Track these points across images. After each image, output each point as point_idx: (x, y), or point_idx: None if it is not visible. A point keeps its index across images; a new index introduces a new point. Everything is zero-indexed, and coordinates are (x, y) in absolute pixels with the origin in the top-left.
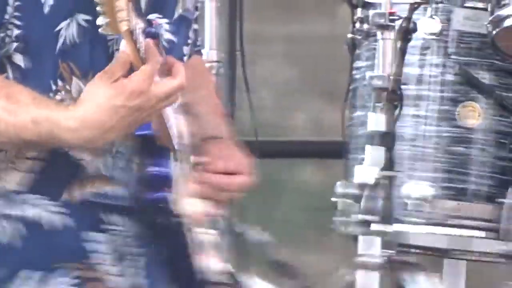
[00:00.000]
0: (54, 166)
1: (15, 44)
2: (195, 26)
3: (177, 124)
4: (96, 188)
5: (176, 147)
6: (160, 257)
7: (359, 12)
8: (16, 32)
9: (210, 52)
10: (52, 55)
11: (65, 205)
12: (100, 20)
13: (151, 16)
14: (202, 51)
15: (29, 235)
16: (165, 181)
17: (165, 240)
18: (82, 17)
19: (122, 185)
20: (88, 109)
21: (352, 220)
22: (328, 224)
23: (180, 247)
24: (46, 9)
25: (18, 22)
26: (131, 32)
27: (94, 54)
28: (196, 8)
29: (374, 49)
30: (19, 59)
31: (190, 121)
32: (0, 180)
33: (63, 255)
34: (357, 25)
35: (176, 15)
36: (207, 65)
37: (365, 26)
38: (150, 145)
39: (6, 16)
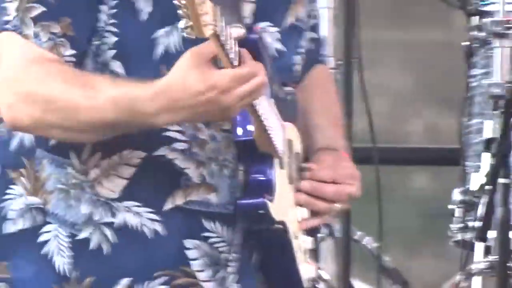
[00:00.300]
0: (158, 174)
1: (113, 52)
2: (313, 35)
3: (284, 131)
4: (199, 197)
5: (280, 154)
6: (253, 263)
7: (475, 20)
8: (113, 39)
9: (327, 59)
10: (149, 62)
11: (168, 213)
12: (182, 23)
13: (262, 24)
14: None
15: (130, 243)
16: (266, 188)
17: (262, 247)
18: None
19: (226, 193)
20: (171, 81)
21: (469, 227)
22: (443, 231)
23: (279, 254)
24: (144, 16)
25: (114, 29)
26: (217, 36)
27: None
28: (315, 17)
29: (490, 56)
30: (117, 66)
31: (306, 131)
32: (102, 187)
33: (164, 263)
34: (473, 33)
35: (287, 24)
36: None
37: (481, 34)
38: (252, 151)
39: (101, 24)
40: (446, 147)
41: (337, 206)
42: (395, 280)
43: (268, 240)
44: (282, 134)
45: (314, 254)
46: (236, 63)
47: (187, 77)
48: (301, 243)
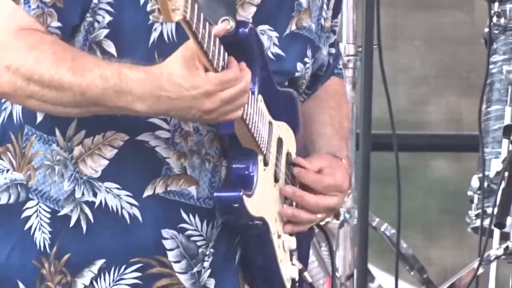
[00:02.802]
0: (139, 160)
1: (106, 31)
2: (332, 50)
3: (272, 129)
4: (180, 188)
5: (264, 151)
6: (232, 257)
7: (496, 7)
8: (108, 18)
9: (347, 46)
10: (143, 47)
11: (147, 200)
12: (149, 6)
13: (261, 27)
14: (340, 44)
15: (109, 224)
16: (245, 182)
17: (243, 241)
18: None
19: (206, 187)
20: (161, 70)
21: (487, 213)
22: (462, 217)
23: (258, 250)
24: (143, 1)
25: (110, 9)
26: (187, 22)
27: None
28: (335, 32)
29: (511, 43)
30: (109, 45)
31: (311, 138)
32: (85, 165)
33: (141, 250)
34: (494, 19)
35: (288, 31)
36: (345, 58)
37: (502, 20)
38: (234, 146)
39: (95, 1)
40: (466, 133)
41: (318, 217)
42: (413, 266)
43: (247, 235)
44: (267, 131)
45: (304, 254)
46: (217, 63)
47: (175, 72)
48: (284, 242)
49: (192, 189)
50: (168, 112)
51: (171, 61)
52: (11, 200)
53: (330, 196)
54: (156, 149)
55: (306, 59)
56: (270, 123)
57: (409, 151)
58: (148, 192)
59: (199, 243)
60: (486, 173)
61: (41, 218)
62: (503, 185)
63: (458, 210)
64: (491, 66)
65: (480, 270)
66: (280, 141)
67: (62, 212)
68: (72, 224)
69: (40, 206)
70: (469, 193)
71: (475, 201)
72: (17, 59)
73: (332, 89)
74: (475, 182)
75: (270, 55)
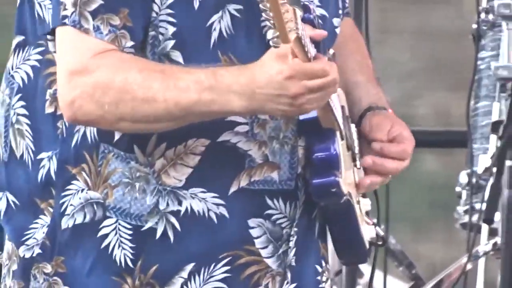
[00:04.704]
0: (222, 159)
1: (172, 42)
2: None
3: (339, 99)
4: (263, 176)
5: (342, 126)
6: (312, 230)
7: (484, 3)
8: (171, 29)
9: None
10: (207, 49)
11: (233, 196)
12: (270, 34)
13: None
14: None
15: (196, 229)
16: (335, 165)
17: (330, 217)
18: (233, 7)
19: (287, 169)
20: (255, 64)
21: (475, 209)
22: (451, 213)
23: (345, 222)
24: (196, 4)
25: (171, 19)
26: (299, 39)
27: (251, 44)
28: None
29: (499, 39)
30: (177, 56)
31: (346, 89)
32: (168, 177)
33: (230, 245)
34: (482, 15)
35: None
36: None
37: (490, 16)
38: (317, 129)
39: (155, 14)
40: (454, 129)
41: (389, 177)
42: (402, 262)
43: (335, 211)
44: (338, 103)
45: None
46: (312, 58)
47: (267, 64)
48: (361, 207)
49: (274, 175)
50: (263, 107)
51: (266, 56)
52: (87, 219)
53: (405, 160)
54: (238, 145)
55: (339, 12)
56: (337, 94)
57: None
58: (233, 188)
59: (283, 225)
60: (474, 168)
61: (120, 235)
62: (491, 180)
63: (447, 206)
64: (479, 62)
65: (469, 266)
66: (343, 109)
67: (146, 227)
68: (158, 236)
69: (119, 223)
70: (457, 188)
71: (464, 196)
72: (102, 82)
73: (349, 31)
74: (463, 178)
75: (319, 20)
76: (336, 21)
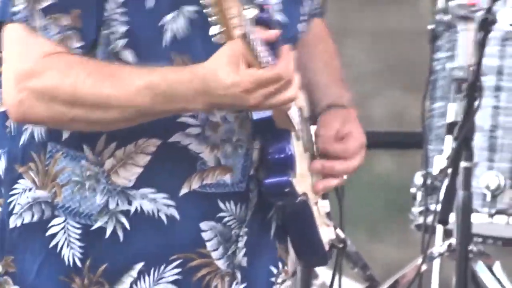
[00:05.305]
0: (173, 161)
1: (124, 41)
2: None
3: (298, 100)
4: (215, 179)
5: (297, 127)
6: (267, 231)
7: (440, 4)
8: (123, 28)
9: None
10: (159, 49)
11: (184, 198)
12: (214, 30)
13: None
14: None
15: (146, 229)
16: (289, 165)
17: (286, 218)
18: (189, 9)
19: (239, 172)
20: (205, 68)
21: (430, 210)
22: (406, 214)
23: (301, 223)
24: (149, 4)
25: (124, 18)
26: (244, 36)
27: (207, 45)
28: None
29: (455, 40)
30: (128, 55)
31: (309, 88)
32: (118, 177)
33: (181, 247)
34: (438, 16)
35: None
36: None
37: (446, 17)
38: (272, 129)
39: (108, 13)
40: (409, 130)
41: (343, 179)
42: (356, 263)
43: (291, 212)
44: (294, 104)
45: (330, 215)
46: (263, 60)
47: (220, 70)
48: (320, 208)
49: (227, 178)
50: (222, 107)
51: (216, 59)
52: (35, 219)
53: (357, 157)
54: (189, 147)
55: (303, 18)
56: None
57: None
58: (184, 190)
59: (232, 226)
60: (429, 170)
61: (69, 235)
62: (446, 182)
63: (402, 207)
64: (434, 63)
65: (424, 267)
66: (301, 110)
67: (95, 226)
68: (107, 235)
69: (68, 223)
70: (412, 190)
71: (418, 198)
72: (51, 86)
73: (318, 31)
74: (418, 179)
75: (279, 25)
76: (300, 27)
